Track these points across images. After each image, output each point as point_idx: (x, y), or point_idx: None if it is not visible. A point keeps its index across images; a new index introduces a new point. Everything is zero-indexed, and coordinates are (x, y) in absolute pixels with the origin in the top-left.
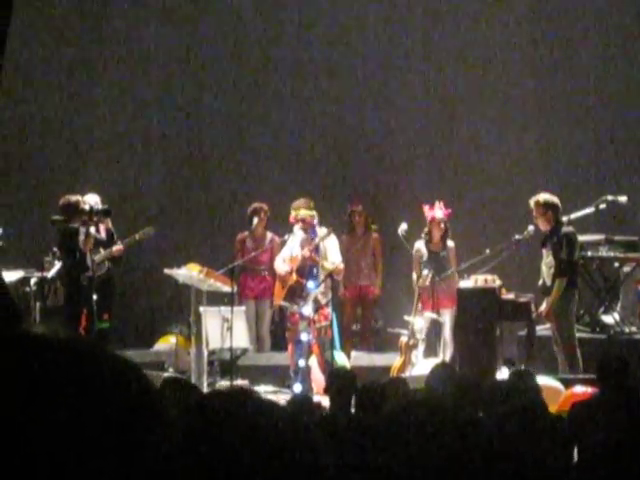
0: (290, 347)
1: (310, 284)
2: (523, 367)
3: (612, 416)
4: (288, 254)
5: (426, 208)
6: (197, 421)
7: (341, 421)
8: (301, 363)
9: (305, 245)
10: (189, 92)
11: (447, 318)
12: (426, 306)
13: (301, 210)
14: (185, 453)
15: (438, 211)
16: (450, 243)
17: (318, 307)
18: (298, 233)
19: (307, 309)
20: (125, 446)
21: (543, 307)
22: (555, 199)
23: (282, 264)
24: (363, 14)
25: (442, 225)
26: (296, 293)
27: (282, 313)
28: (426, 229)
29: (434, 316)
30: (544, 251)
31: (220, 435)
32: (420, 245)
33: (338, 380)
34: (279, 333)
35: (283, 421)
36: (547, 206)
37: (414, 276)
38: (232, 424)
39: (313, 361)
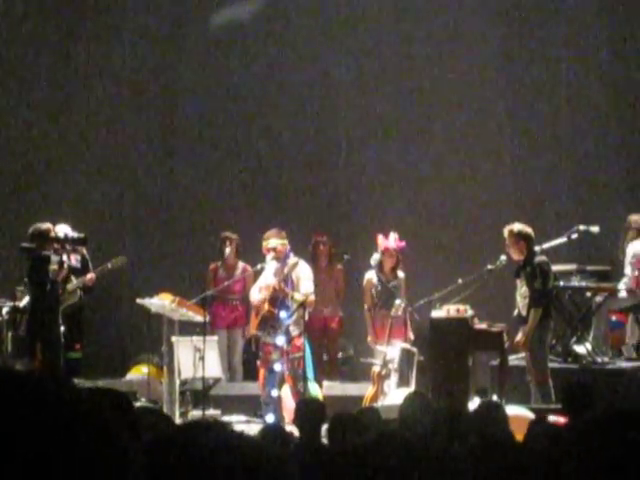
0: (261, 376)
1: (282, 314)
2: (493, 397)
3: (579, 445)
4: (264, 283)
5: (380, 237)
6: (166, 456)
7: (310, 451)
8: (274, 393)
9: (277, 275)
10: (161, 121)
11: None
12: (397, 335)
13: (271, 239)
14: None
15: (392, 242)
16: (401, 274)
17: (291, 338)
18: (271, 263)
19: (280, 339)
20: None
21: (519, 337)
22: (529, 229)
23: (257, 293)
24: (335, 45)
25: (394, 256)
26: (269, 323)
27: (257, 342)
28: (378, 258)
29: (407, 346)
30: (518, 281)
31: (191, 468)
32: (371, 275)
33: (306, 410)
34: (251, 363)
35: (255, 454)
36: (520, 236)
37: (365, 306)
38: (203, 457)
39: (285, 391)
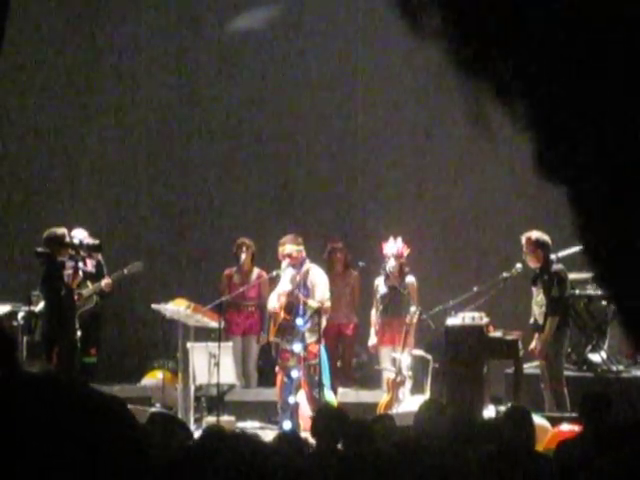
0: (279, 382)
1: (298, 321)
2: (508, 405)
3: (595, 454)
4: (281, 290)
5: (384, 244)
6: (187, 462)
7: (328, 459)
8: (291, 400)
9: (292, 282)
10: (178, 128)
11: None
12: (409, 342)
13: (287, 245)
14: None
15: (390, 247)
16: (409, 279)
17: (306, 345)
18: (288, 269)
19: (297, 346)
20: None
21: (534, 344)
22: (546, 237)
23: (275, 300)
24: (352, 54)
25: (397, 261)
26: (286, 330)
27: (277, 349)
28: (383, 265)
29: (421, 353)
30: (534, 289)
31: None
32: (379, 281)
33: (325, 418)
34: (266, 369)
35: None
36: (538, 244)
37: (372, 312)
38: (224, 465)
39: (301, 398)
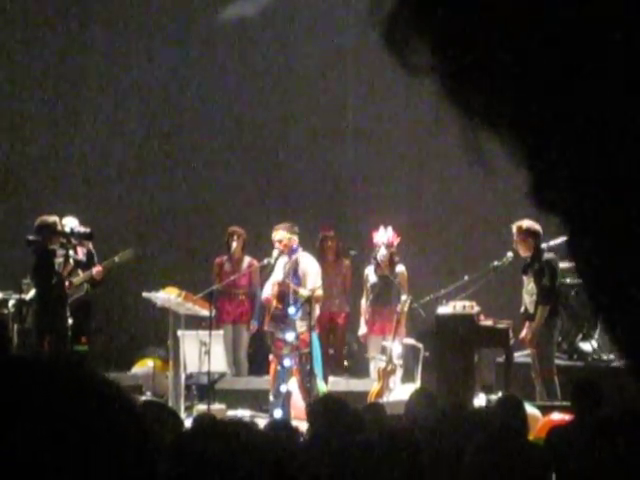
0: (272, 371)
1: (290, 310)
2: (498, 394)
3: (587, 442)
4: (275, 279)
5: (374, 233)
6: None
7: (321, 446)
8: (282, 388)
9: (283, 270)
10: (169, 116)
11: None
12: (402, 331)
13: (279, 232)
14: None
15: (380, 236)
16: (400, 268)
17: (298, 333)
18: (281, 258)
19: (289, 335)
20: (111, 469)
21: (525, 333)
22: (537, 226)
23: (269, 289)
24: (342, 47)
25: (387, 250)
26: (278, 319)
27: (272, 337)
28: (373, 253)
29: (412, 342)
30: (525, 278)
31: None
32: (369, 270)
33: (322, 406)
34: (257, 357)
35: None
36: (529, 232)
37: (362, 301)
38: (217, 452)
39: (293, 386)
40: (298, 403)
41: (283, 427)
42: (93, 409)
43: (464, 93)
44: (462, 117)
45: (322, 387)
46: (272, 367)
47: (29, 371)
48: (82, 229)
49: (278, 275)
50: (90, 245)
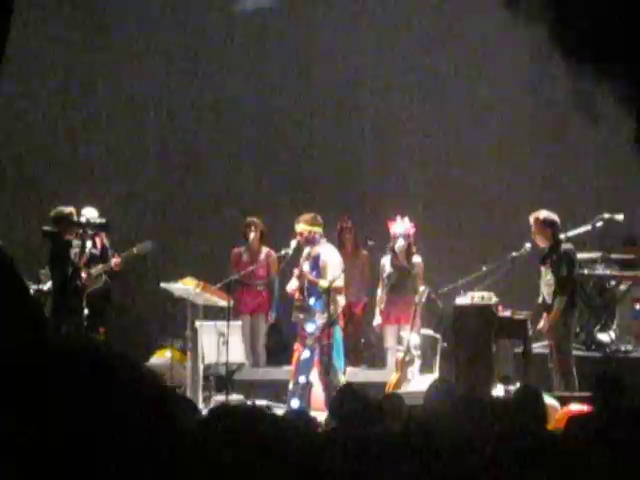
0: (294, 360)
1: (311, 301)
2: (516, 385)
3: (606, 434)
4: (298, 272)
5: (391, 224)
6: (211, 432)
7: (341, 437)
8: (301, 379)
9: (303, 261)
10: (187, 107)
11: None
12: (417, 322)
13: (299, 224)
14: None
15: (397, 226)
16: (417, 259)
17: (319, 325)
18: (305, 249)
19: (310, 327)
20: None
21: (543, 324)
22: (555, 217)
23: (293, 281)
24: (360, 43)
25: (404, 241)
26: (303, 310)
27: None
28: (390, 244)
29: (430, 332)
30: (543, 269)
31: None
32: (385, 260)
33: (345, 397)
34: (275, 348)
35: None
36: (546, 223)
37: (378, 291)
38: (234, 440)
39: (314, 377)
40: (318, 395)
41: (300, 417)
42: (131, 396)
43: (575, 41)
44: (572, 65)
45: (342, 379)
46: (295, 356)
47: (69, 355)
48: (98, 220)
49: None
50: (105, 239)
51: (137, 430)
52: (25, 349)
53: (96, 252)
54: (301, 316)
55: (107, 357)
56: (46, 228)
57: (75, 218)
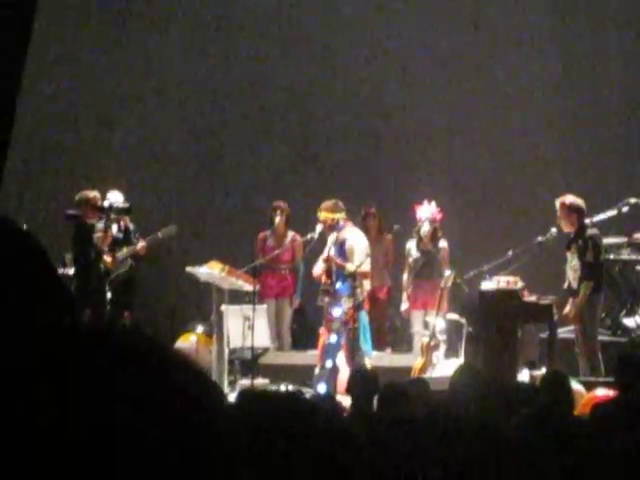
0: (320, 344)
1: (338, 285)
2: (542, 370)
3: (632, 417)
4: (324, 255)
5: (418, 208)
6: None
7: (362, 420)
8: (328, 364)
9: (330, 246)
10: (212, 91)
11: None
12: (443, 306)
13: (322, 212)
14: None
15: (424, 211)
16: (442, 243)
17: (345, 309)
18: (332, 234)
19: (337, 311)
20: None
21: (568, 309)
22: (580, 202)
23: (318, 265)
24: (381, 28)
25: (430, 225)
26: (328, 294)
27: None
28: (416, 228)
29: (455, 317)
30: (568, 254)
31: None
32: (411, 245)
33: (360, 380)
34: (300, 332)
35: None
36: (572, 208)
37: (404, 276)
38: (264, 425)
39: (341, 361)
40: (344, 379)
41: (326, 401)
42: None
43: None
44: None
45: (368, 363)
46: (321, 340)
47: (103, 343)
48: (121, 204)
49: (325, 252)
50: (128, 222)
51: (165, 417)
52: (52, 331)
53: (120, 236)
54: (327, 300)
55: (134, 340)
56: (69, 212)
57: (99, 202)
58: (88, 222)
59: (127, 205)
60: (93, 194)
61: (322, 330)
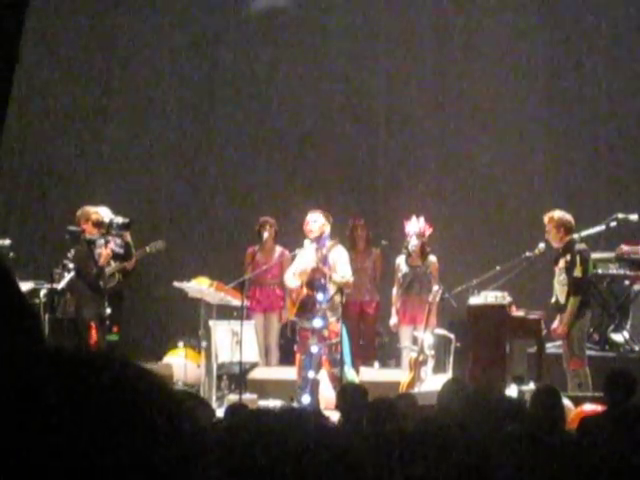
0: (298, 360)
1: (320, 296)
2: (530, 385)
3: (618, 433)
4: (298, 269)
5: (406, 223)
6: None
7: (353, 437)
8: (310, 375)
9: (316, 256)
10: (199, 105)
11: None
12: (431, 322)
13: (315, 213)
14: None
15: (412, 226)
16: (431, 258)
17: (328, 323)
18: (309, 247)
19: (317, 322)
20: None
21: (556, 324)
22: (569, 217)
23: (292, 278)
24: (374, 36)
25: (418, 240)
26: (307, 306)
27: (294, 328)
28: (405, 243)
29: (444, 332)
30: (556, 269)
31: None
32: (400, 260)
33: (349, 396)
34: (288, 347)
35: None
36: (561, 223)
37: (394, 291)
38: (251, 443)
39: (323, 377)
40: (326, 393)
41: (316, 416)
42: (129, 399)
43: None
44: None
45: (351, 376)
46: (297, 358)
47: (67, 362)
48: (121, 219)
49: (302, 264)
50: (128, 237)
51: (144, 446)
52: (17, 357)
53: (121, 251)
54: (309, 314)
55: (108, 367)
56: (71, 228)
57: (100, 218)
58: (89, 238)
59: (127, 220)
60: (94, 210)
61: (296, 348)
